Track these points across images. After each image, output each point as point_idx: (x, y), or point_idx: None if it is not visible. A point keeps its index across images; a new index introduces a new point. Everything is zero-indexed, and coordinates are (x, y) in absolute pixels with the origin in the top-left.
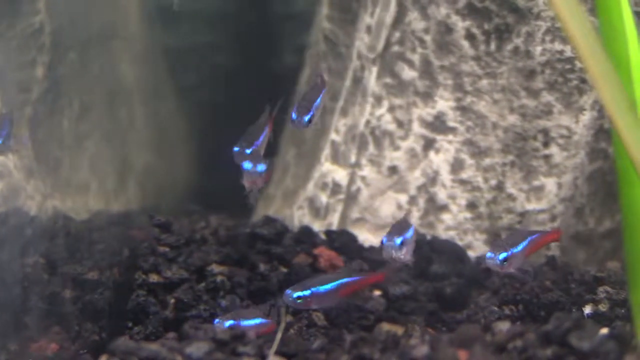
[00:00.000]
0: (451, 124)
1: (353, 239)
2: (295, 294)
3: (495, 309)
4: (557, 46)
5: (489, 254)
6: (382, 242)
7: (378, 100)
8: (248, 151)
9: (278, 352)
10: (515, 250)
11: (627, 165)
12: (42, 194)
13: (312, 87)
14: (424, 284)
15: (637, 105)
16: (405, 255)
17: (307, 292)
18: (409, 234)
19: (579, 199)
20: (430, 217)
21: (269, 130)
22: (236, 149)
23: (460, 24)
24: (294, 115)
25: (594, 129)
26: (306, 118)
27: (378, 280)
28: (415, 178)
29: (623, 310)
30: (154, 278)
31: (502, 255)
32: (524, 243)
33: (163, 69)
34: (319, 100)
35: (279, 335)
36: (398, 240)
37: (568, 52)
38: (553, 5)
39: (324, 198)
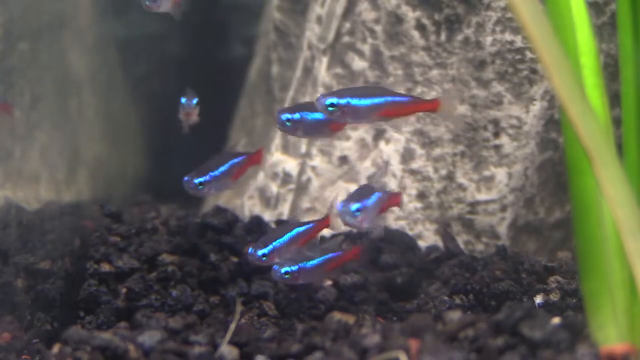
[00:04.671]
0: None
1: None
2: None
3: (446, 298)
4: (508, 37)
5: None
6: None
7: (328, 90)
8: None
9: (230, 342)
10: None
11: (577, 154)
12: None
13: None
14: (374, 274)
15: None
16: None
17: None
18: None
19: (529, 189)
20: None
21: None
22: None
23: (411, 15)
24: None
25: (544, 119)
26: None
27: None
28: (366, 168)
29: (574, 300)
30: (105, 268)
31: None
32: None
33: (113, 60)
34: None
35: (232, 325)
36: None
37: (518, 43)
38: None
39: (274, 188)
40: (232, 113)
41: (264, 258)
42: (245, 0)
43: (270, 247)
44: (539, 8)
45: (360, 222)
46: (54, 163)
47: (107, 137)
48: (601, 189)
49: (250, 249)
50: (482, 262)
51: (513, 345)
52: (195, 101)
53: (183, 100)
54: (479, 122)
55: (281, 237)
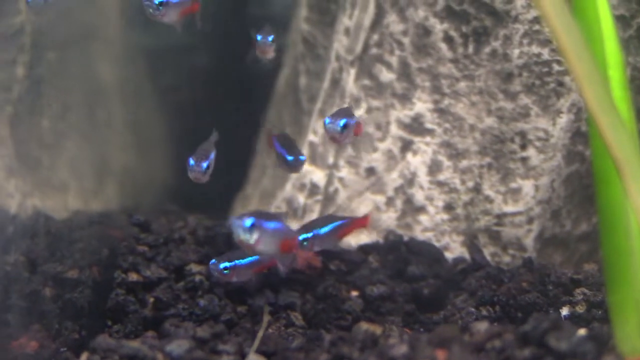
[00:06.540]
0: (429, 125)
1: None
2: None
3: (473, 309)
4: (535, 49)
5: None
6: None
7: (356, 102)
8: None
9: (257, 351)
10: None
11: (605, 165)
12: (22, 192)
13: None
14: (401, 285)
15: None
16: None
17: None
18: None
19: (555, 202)
20: (407, 218)
21: None
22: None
23: (439, 27)
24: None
25: (570, 132)
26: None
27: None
28: (393, 179)
29: (600, 312)
30: (133, 277)
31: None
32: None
33: (142, 70)
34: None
35: (260, 334)
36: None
37: (545, 55)
38: (538, 3)
39: (301, 199)
40: (260, 124)
41: (226, 271)
42: (273, 12)
43: (232, 263)
44: (571, 19)
45: (255, 243)
46: (82, 172)
47: (135, 147)
48: (630, 200)
49: (213, 260)
50: (509, 274)
51: (539, 357)
52: (270, 38)
53: (259, 37)
54: (506, 134)
55: (244, 258)
